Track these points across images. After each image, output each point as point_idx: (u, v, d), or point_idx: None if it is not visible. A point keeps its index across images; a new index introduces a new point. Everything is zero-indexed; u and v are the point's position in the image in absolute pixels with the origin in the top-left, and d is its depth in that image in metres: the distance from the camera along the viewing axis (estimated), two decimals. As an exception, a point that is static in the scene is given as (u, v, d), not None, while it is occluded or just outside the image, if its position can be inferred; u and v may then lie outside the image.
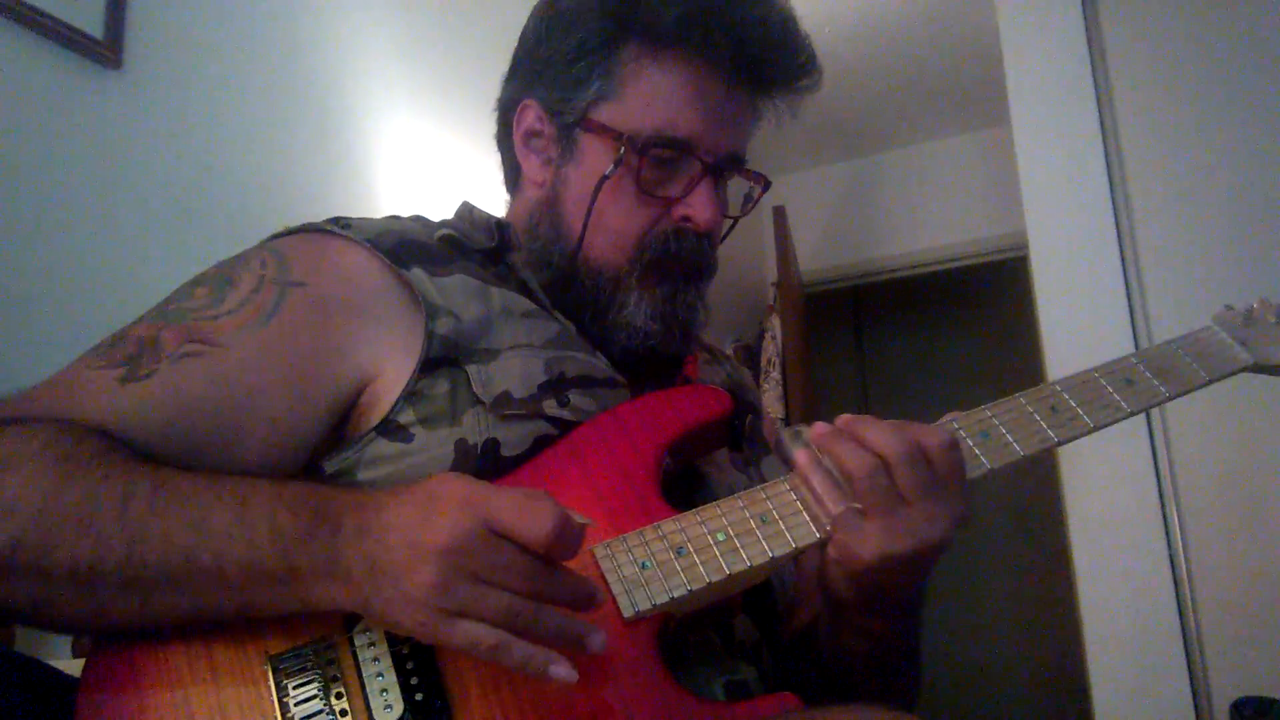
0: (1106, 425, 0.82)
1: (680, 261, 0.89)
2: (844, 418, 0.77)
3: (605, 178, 0.86)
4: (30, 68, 1.50)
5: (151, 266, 1.61)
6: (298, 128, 2.02)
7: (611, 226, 0.88)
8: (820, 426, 0.77)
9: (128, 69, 1.64)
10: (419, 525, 0.61)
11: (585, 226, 0.88)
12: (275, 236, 0.86)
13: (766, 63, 0.88)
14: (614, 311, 0.88)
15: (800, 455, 0.76)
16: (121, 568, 0.62)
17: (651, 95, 0.86)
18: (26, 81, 1.49)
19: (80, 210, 1.54)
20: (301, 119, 2.03)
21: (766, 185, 0.96)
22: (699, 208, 0.87)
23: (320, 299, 0.79)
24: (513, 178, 0.98)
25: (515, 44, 0.97)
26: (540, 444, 0.79)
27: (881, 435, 0.74)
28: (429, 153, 2.34)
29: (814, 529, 0.75)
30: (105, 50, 1.59)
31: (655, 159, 0.86)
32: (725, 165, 0.90)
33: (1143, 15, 2.50)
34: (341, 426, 0.79)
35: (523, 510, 0.61)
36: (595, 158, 0.88)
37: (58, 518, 0.62)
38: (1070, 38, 2.51)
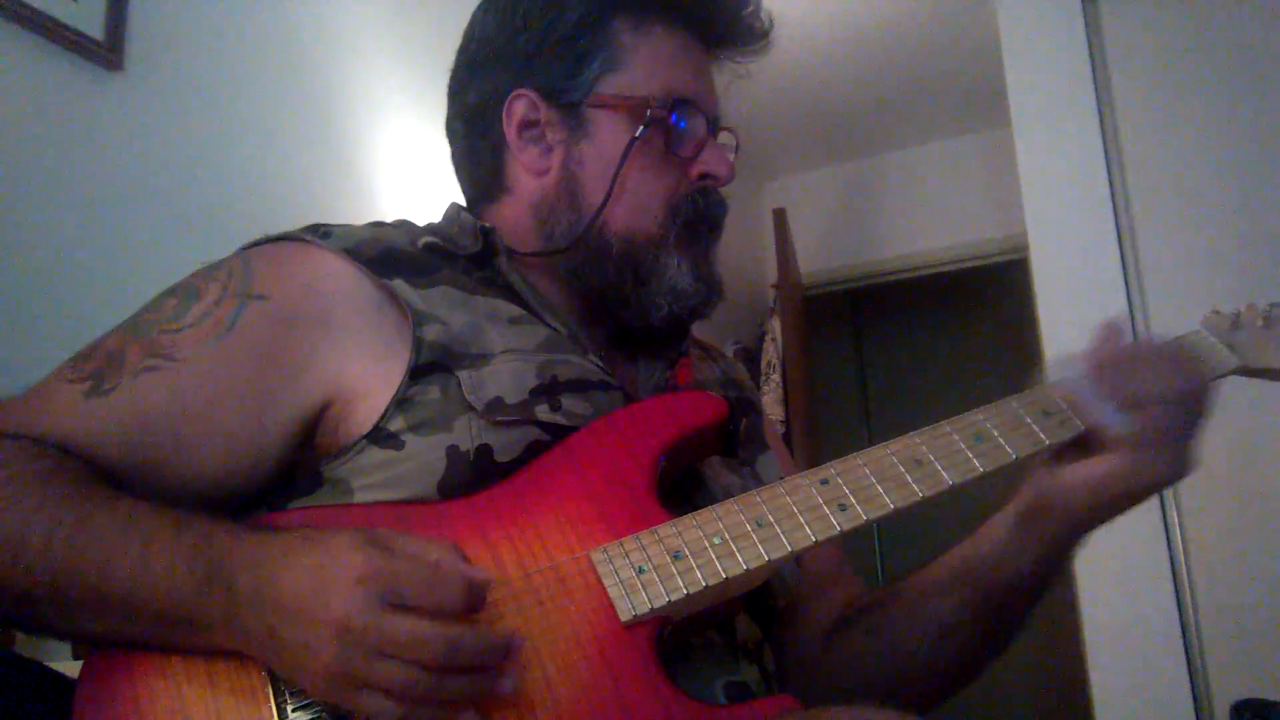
0: None
1: (708, 219, 0.92)
2: (1128, 345, 0.79)
3: (634, 140, 0.88)
4: (31, 70, 1.50)
5: (151, 267, 1.60)
6: (298, 129, 2.02)
7: (641, 192, 0.90)
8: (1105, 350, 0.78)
9: (129, 71, 1.65)
10: (314, 599, 0.60)
11: (608, 196, 0.89)
12: (251, 245, 0.86)
13: (729, 23, 0.94)
14: (656, 279, 0.89)
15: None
16: (50, 596, 0.66)
17: (653, 62, 0.91)
18: (27, 83, 1.49)
19: (81, 212, 1.55)
20: (302, 120, 2.03)
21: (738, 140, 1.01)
22: (715, 163, 0.92)
23: (281, 312, 0.79)
24: (492, 184, 0.95)
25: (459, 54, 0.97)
26: (533, 449, 0.79)
27: (1167, 371, 0.77)
28: (429, 154, 2.34)
29: (832, 522, 0.74)
30: (106, 52, 1.59)
31: (675, 119, 0.90)
32: (715, 124, 0.94)
33: (1143, 16, 2.50)
34: (313, 436, 0.79)
35: (430, 585, 0.61)
36: (611, 130, 0.90)
37: None
38: (1071, 38, 2.51)
